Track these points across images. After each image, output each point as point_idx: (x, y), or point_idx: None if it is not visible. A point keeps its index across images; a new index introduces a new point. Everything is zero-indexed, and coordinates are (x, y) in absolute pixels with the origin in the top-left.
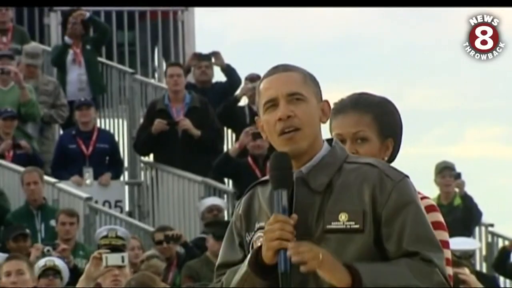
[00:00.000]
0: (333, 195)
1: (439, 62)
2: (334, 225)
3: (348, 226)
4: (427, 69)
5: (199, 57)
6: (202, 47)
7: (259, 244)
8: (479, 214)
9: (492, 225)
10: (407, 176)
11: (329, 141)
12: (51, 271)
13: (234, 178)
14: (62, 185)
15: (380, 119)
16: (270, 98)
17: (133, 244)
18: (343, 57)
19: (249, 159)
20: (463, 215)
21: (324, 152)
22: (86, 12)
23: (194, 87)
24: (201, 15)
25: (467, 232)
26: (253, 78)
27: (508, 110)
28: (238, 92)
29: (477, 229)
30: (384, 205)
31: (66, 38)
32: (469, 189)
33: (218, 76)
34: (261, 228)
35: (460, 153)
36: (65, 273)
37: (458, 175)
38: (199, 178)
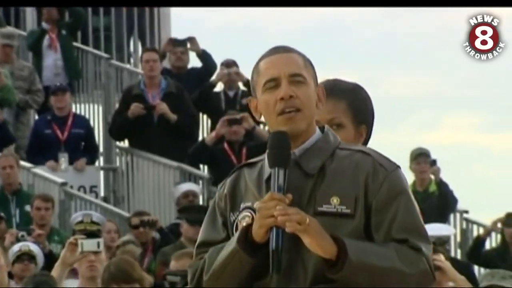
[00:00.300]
0: (326, 179)
1: (439, 62)
2: (325, 208)
3: (340, 210)
4: (427, 69)
5: (174, 42)
6: (178, 32)
7: (244, 224)
8: (454, 200)
9: (466, 212)
10: (399, 167)
11: (321, 128)
12: (26, 256)
13: (210, 164)
14: (38, 170)
15: (354, 106)
16: (272, 77)
17: (109, 227)
18: (329, 48)
19: (225, 145)
20: (439, 201)
21: (317, 137)
22: None
23: (170, 72)
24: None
25: (443, 218)
26: (229, 64)
27: (489, 99)
28: (213, 77)
29: (452, 215)
30: (376, 193)
31: (43, 24)
32: (445, 176)
33: (194, 61)
34: (247, 208)
35: (438, 140)
36: (40, 258)
37: (434, 162)
38: (174, 163)
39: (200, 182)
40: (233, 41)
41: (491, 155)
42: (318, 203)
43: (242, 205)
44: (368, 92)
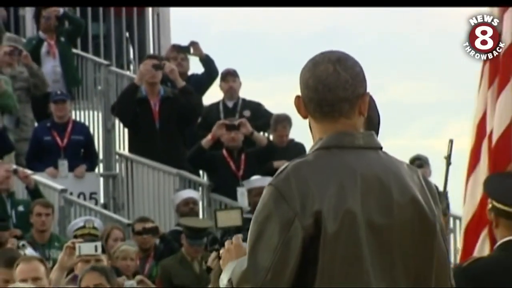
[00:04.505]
0: None
1: (439, 62)
2: None
3: None
4: (427, 69)
5: (178, 48)
6: (178, 39)
7: None
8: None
9: None
10: (270, 184)
11: None
12: None
13: (209, 170)
14: (37, 177)
15: None
16: None
17: (116, 236)
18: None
19: (224, 151)
20: None
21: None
22: (59, 8)
23: (170, 79)
24: (177, 8)
25: None
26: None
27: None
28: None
29: (451, 222)
30: None
31: (40, 33)
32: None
33: (195, 68)
34: None
35: (439, 147)
36: None
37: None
38: (174, 170)
39: (200, 188)
40: (236, 49)
41: None
42: None
43: None
44: (375, 100)
